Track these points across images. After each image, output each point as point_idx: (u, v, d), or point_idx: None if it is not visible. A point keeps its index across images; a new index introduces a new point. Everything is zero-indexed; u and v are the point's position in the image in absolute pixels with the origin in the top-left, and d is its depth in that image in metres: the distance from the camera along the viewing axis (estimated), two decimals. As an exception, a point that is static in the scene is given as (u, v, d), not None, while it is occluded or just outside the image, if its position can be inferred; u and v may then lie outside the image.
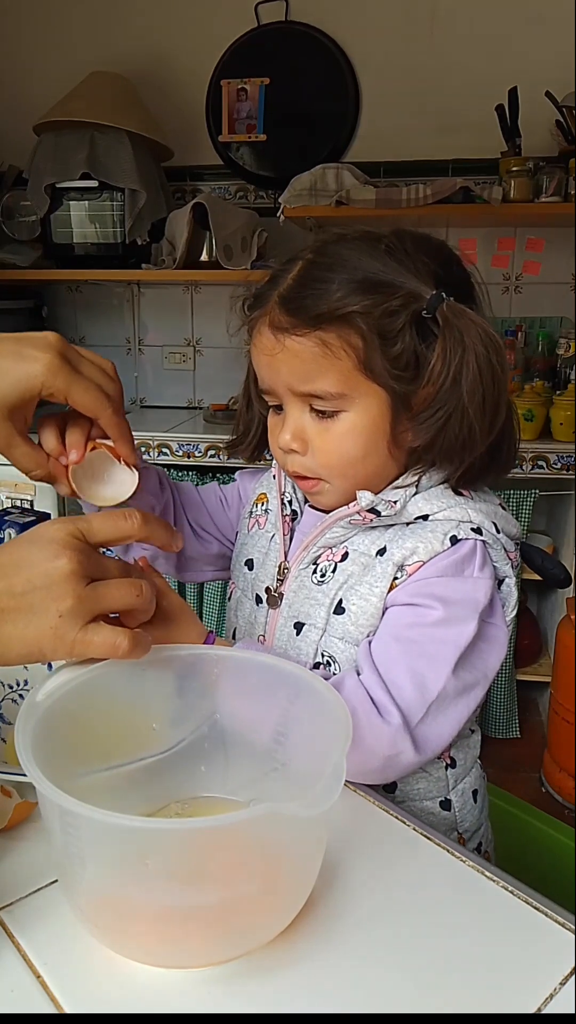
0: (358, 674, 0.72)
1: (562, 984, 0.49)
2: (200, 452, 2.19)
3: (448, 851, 0.60)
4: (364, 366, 0.71)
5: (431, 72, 2.33)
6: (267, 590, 0.84)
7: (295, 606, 0.80)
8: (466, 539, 0.73)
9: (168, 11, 2.45)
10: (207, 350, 2.64)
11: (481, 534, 0.73)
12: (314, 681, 0.57)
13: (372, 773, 0.70)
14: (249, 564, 0.88)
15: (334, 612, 0.77)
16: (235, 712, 0.64)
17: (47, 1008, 0.47)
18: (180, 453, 2.20)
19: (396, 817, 0.65)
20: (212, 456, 2.19)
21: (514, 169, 2.09)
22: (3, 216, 2.39)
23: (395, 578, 0.74)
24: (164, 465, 2.20)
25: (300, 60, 2.39)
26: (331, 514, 0.77)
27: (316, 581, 0.79)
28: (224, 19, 2.41)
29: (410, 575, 0.73)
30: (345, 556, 0.78)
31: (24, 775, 0.47)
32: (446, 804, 0.82)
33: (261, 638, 0.84)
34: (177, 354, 2.67)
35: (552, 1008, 0.47)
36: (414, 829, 0.63)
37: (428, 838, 0.62)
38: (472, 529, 0.73)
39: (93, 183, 2.25)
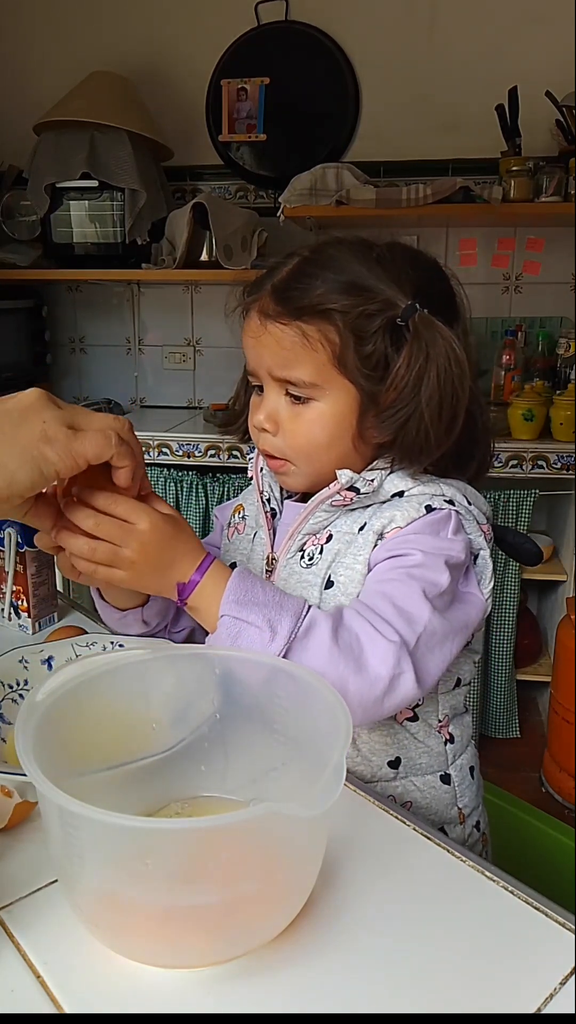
0: None
1: (562, 984, 0.49)
2: (200, 452, 2.19)
3: (448, 851, 0.60)
4: (338, 361, 0.76)
5: (431, 72, 2.33)
6: None
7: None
8: (440, 508, 0.77)
9: (168, 11, 2.45)
10: (207, 350, 2.64)
11: (454, 505, 0.78)
12: (314, 681, 0.57)
13: (375, 703, 0.69)
14: (232, 567, 0.89)
15: (325, 588, 0.80)
16: (235, 711, 0.64)
17: (47, 1008, 0.47)
18: (180, 453, 2.20)
19: (396, 817, 0.65)
20: (212, 456, 2.19)
21: (514, 169, 2.09)
22: (3, 216, 2.39)
23: (375, 545, 0.78)
24: (164, 465, 2.21)
25: (300, 60, 2.39)
26: (313, 498, 0.81)
27: (304, 565, 0.82)
28: (224, 19, 2.41)
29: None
30: (330, 538, 0.81)
31: (24, 775, 0.47)
32: (446, 778, 0.85)
33: None
34: (177, 354, 2.67)
35: (552, 1008, 0.47)
36: (414, 829, 0.63)
37: (428, 838, 0.62)
38: (445, 500, 0.78)
39: (93, 183, 2.25)
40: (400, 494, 0.79)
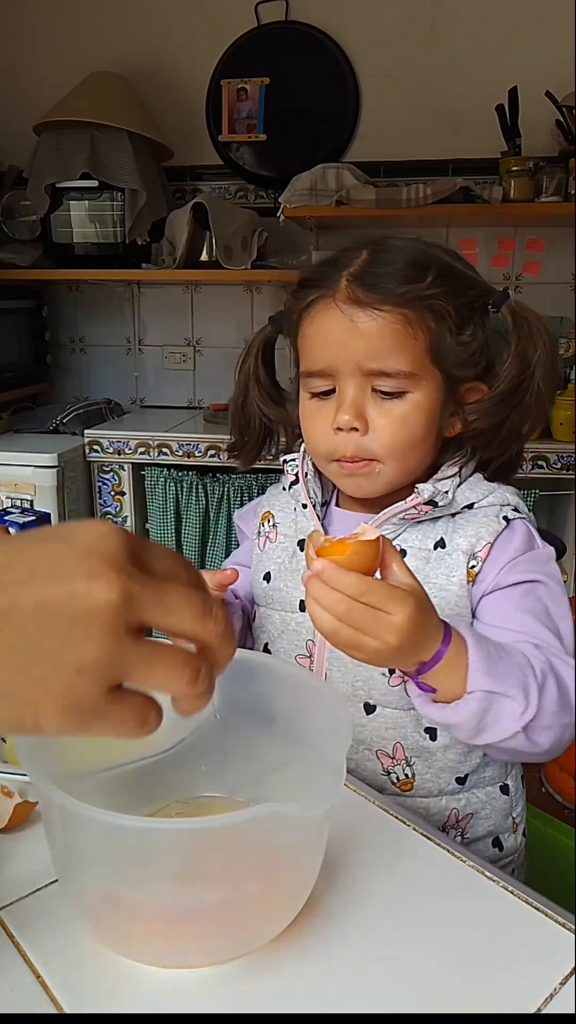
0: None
1: (562, 984, 0.49)
2: (200, 452, 2.19)
3: (448, 851, 0.60)
4: (433, 349, 0.73)
5: (431, 72, 2.33)
6: None
7: None
8: (515, 519, 0.77)
9: (168, 11, 2.45)
10: (207, 350, 2.64)
11: (519, 512, 0.78)
12: (314, 681, 0.57)
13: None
14: (267, 577, 0.87)
15: None
16: (236, 711, 0.63)
17: (47, 1008, 0.47)
18: (180, 453, 2.20)
19: (396, 817, 0.65)
20: (212, 456, 2.19)
21: (514, 169, 2.09)
22: (3, 216, 2.39)
23: (472, 566, 0.76)
24: (164, 465, 2.21)
25: (300, 60, 2.39)
26: (387, 510, 0.78)
27: None
28: (224, 19, 2.41)
29: (483, 559, 0.76)
30: (403, 553, 0.78)
31: (24, 775, 0.47)
32: (505, 788, 0.84)
33: (309, 643, 0.82)
34: (177, 354, 2.67)
35: (552, 1008, 0.47)
36: (414, 829, 0.63)
37: (428, 838, 0.62)
38: (512, 509, 0.78)
39: (93, 183, 2.25)
40: (470, 506, 0.77)
